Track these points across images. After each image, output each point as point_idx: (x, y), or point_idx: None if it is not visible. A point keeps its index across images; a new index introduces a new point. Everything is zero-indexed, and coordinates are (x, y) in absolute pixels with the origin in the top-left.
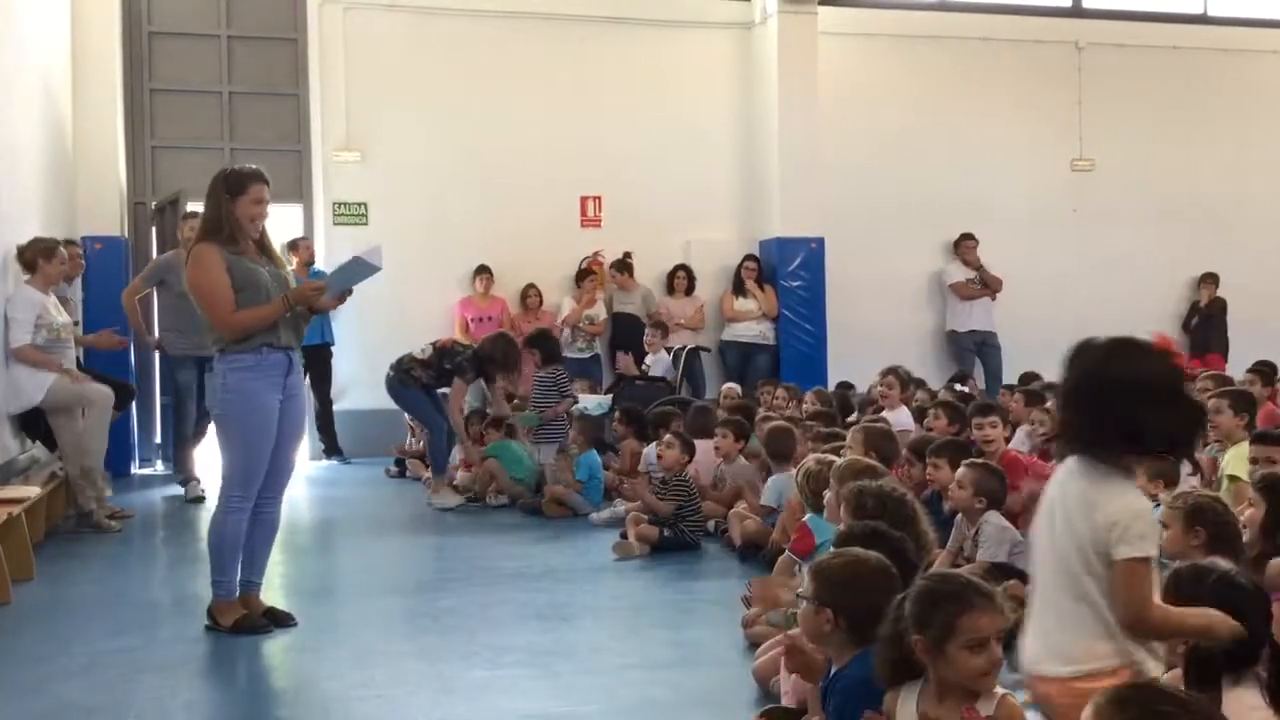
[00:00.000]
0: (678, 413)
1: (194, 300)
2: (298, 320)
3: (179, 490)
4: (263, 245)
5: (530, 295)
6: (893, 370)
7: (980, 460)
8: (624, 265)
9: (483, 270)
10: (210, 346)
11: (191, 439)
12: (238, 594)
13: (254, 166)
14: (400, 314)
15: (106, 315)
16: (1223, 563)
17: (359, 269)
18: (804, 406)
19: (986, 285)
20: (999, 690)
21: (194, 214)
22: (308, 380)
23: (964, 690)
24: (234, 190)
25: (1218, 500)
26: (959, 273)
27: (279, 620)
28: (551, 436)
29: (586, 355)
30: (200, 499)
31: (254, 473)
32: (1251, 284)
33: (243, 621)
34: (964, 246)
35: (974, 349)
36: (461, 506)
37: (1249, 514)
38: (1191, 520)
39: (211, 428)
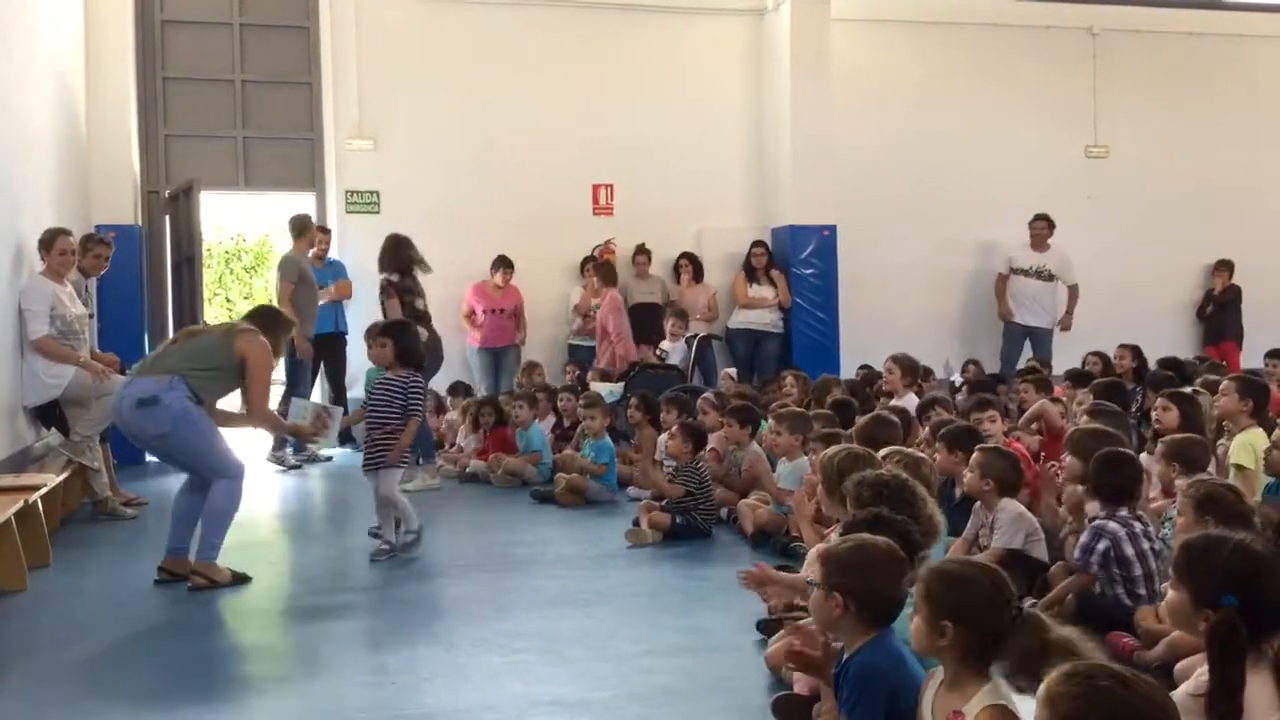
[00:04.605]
0: (686, 400)
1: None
2: None
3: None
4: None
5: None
6: (893, 358)
7: (991, 445)
8: (643, 253)
9: (503, 262)
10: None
11: None
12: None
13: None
14: None
15: (120, 304)
16: (1238, 533)
17: None
18: (830, 396)
19: (1051, 278)
20: (997, 699)
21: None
22: (322, 369)
23: (960, 694)
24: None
25: (1231, 489)
26: (1026, 258)
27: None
28: (382, 458)
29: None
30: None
31: None
32: (1266, 271)
33: (234, 574)
34: (1034, 228)
35: (1022, 335)
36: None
37: None
38: (1202, 508)
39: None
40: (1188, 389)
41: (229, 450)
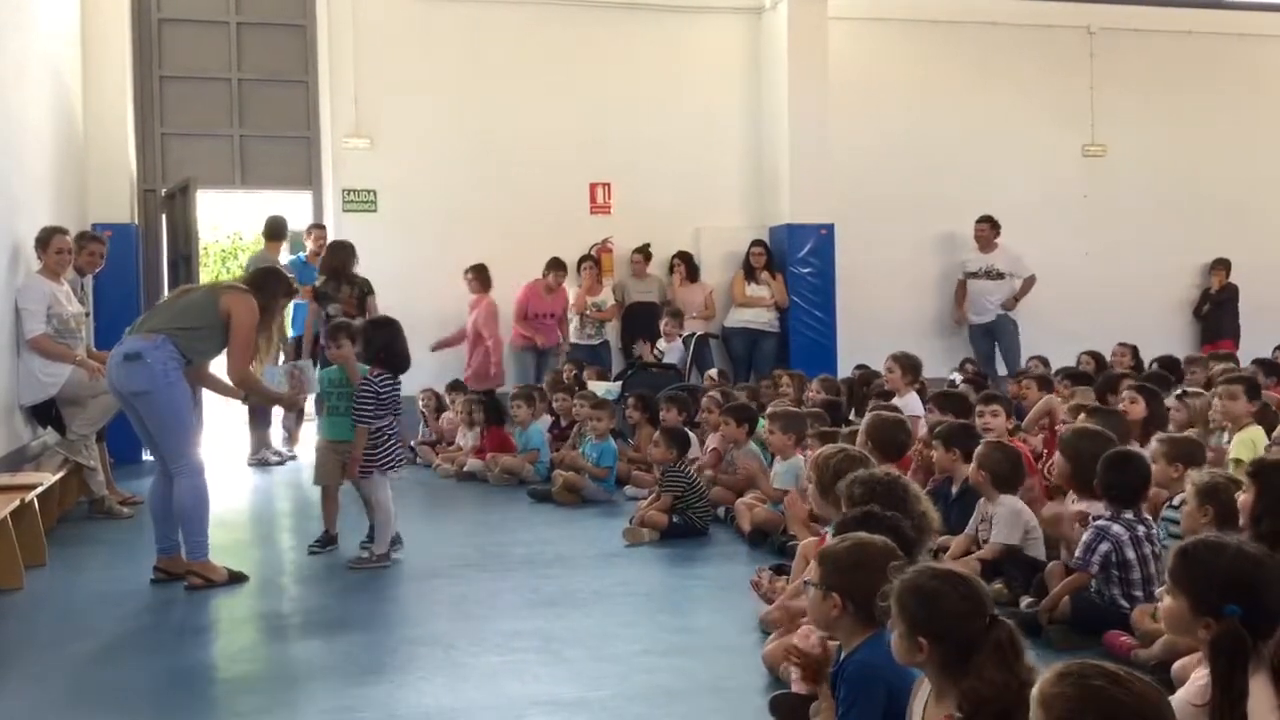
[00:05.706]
0: (684, 398)
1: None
2: None
3: None
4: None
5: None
6: (893, 356)
7: (994, 440)
8: (643, 253)
9: (556, 264)
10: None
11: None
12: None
13: None
14: (408, 299)
15: (116, 302)
16: (1233, 536)
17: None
18: (810, 395)
19: (1001, 276)
20: None
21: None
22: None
23: (949, 703)
24: None
25: (1235, 482)
26: (975, 261)
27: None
28: (367, 464)
29: (595, 342)
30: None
31: None
32: (1263, 270)
33: (231, 573)
34: (977, 230)
35: (983, 335)
36: None
37: (1240, 499)
38: (1203, 499)
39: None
40: (1190, 388)
41: (196, 444)
